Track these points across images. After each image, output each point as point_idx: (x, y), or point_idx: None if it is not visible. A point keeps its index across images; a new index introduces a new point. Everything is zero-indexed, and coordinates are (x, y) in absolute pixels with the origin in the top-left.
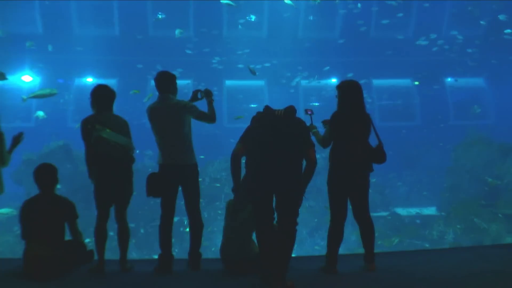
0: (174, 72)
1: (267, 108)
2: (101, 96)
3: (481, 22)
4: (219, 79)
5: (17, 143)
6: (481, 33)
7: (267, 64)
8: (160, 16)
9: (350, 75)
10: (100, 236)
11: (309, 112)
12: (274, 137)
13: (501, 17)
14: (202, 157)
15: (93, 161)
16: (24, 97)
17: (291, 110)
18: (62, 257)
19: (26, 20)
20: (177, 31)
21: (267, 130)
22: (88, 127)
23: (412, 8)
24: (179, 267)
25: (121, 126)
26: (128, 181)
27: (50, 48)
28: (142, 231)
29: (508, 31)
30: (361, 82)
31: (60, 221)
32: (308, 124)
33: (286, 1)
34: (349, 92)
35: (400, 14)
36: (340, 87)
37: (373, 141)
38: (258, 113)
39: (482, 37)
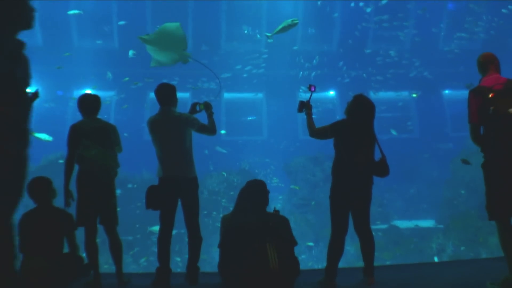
0: (173, 83)
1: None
2: (86, 103)
3: (479, 34)
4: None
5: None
6: (479, 46)
7: (265, 77)
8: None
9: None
10: (91, 250)
11: (312, 89)
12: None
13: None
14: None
15: (78, 180)
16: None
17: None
18: (60, 270)
19: (26, 32)
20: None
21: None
22: (75, 136)
23: (410, 21)
24: (177, 280)
25: (109, 133)
26: (112, 195)
27: None
28: (138, 244)
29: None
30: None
31: (58, 233)
32: (306, 101)
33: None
34: (365, 111)
35: (398, 27)
36: (358, 99)
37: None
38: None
39: (479, 49)
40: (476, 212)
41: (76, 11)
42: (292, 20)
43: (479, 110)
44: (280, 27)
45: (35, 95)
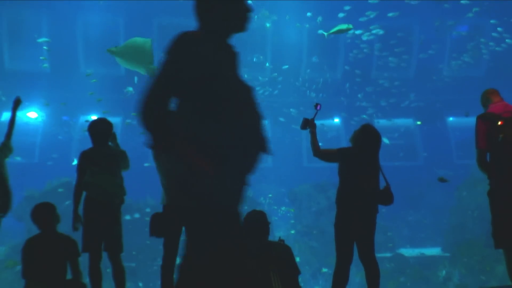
0: None
1: None
2: (97, 131)
3: (480, 59)
4: None
5: (17, 107)
6: (482, 73)
7: (273, 103)
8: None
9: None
10: (95, 276)
11: (318, 108)
12: None
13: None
14: None
15: (85, 206)
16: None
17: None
18: None
19: (35, 58)
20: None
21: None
22: (83, 164)
23: (413, 48)
24: None
25: (117, 160)
26: (117, 222)
27: None
28: (141, 271)
29: None
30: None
31: (61, 259)
32: (310, 117)
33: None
34: (371, 140)
35: (402, 54)
36: (365, 128)
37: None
38: None
39: (482, 76)
40: (483, 240)
41: (45, 39)
42: (347, 25)
43: (487, 136)
44: (336, 28)
45: (17, 102)
